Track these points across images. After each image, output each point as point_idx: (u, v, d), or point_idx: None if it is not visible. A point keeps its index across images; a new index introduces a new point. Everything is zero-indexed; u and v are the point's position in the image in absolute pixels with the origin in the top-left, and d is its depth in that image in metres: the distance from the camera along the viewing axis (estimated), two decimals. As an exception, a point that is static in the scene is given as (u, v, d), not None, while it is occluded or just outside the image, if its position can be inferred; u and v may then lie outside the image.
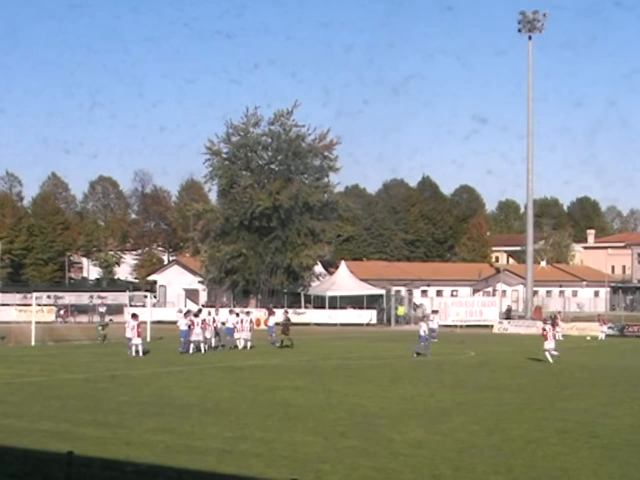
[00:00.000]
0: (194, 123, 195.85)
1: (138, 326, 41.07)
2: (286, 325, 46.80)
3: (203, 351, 42.36)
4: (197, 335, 42.46)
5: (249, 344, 44.99)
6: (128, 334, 41.18)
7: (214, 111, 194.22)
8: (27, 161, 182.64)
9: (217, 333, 45.14)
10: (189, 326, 42.55)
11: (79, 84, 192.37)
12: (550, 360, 37.96)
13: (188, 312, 45.78)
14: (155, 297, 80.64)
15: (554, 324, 58.62)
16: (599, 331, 58.04)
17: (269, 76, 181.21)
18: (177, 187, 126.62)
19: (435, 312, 58.16)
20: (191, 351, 42.07)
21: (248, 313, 48.29)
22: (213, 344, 44.31)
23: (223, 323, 46.85)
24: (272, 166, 78.74)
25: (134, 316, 42.33)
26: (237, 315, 46.73)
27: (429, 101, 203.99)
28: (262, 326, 55.34)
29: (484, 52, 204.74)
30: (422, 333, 42.37)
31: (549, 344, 38.61)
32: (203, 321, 43.50)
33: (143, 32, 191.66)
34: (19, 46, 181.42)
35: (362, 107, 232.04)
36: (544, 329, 39.66)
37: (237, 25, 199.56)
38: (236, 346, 45.03)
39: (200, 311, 46.58)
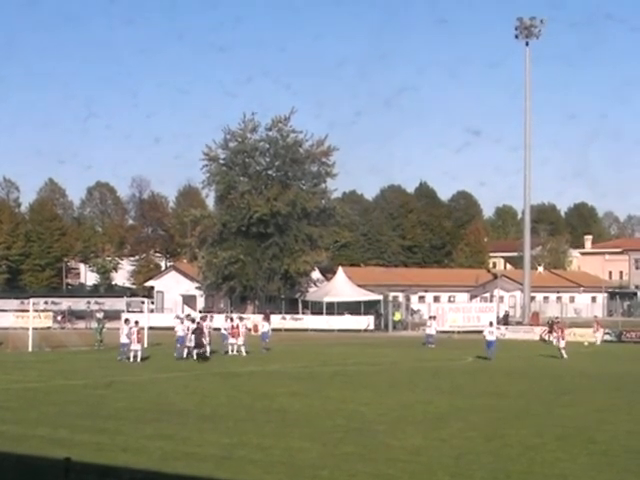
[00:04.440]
0: (189, 134, 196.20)
1: (138, 332, 41.04)
2: (199, 334, 41.92)
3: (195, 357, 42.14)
4: (191, 341, 42.33)
5: (243, 349, 44.94)
6: (123, 339, 41.15)
7: (209, 122, 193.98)
8: (24, 168, 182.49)
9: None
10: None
11: (74, 95, 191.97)
12: None
13: (188, 317, 45.69)
14: (152, 303, 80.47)
15: (551, 330, 58.90)
16: (594, 336, 57.95)
17: (263, 88, 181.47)
18: (175, 193, 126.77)
19: (433, 318, 58.06)
20: (184, 356, 41.87)
21: (241, 319, 48.12)
22: (208, 350, 44.05)
23: (215, 329, 46.56)
24: (269, 172, 78.69)
25: (127, 321, 42.49)
26: (231, 320, 46.72)
27: (422, 113, 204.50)
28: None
29: (476, 64, 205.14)
30: (493, 338, 43.72)
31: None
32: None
33: (138, 44, 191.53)
34: (15, 57, 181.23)
35: (355, 119, 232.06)
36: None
37: (231, 37, 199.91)
38: (226, 352, 44.91)
39: (192, 317, 46.37)
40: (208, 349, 42.80)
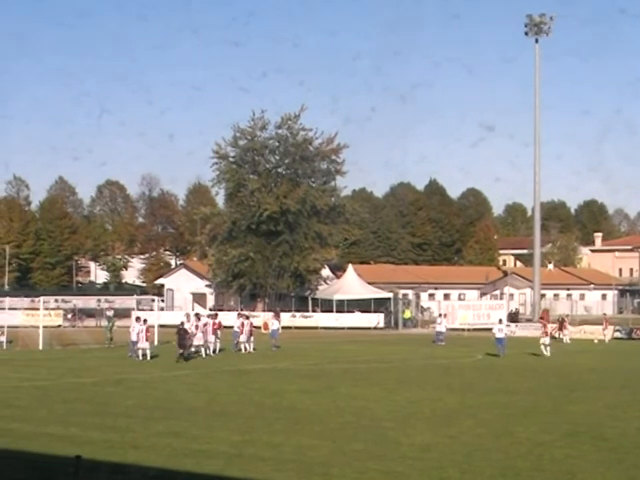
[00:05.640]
0: (202, 130, 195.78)
1: (147, 330, 41.06)
2: (182, 335, 40.40)
3: (204, 355, 42.19)
4: (198, 339, 42.33)
5: (250, 347, 45.05)
6: (133, 337, 41.18)
7: (222, 118, 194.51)
8: (35, 166, 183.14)
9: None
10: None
11: (88, 91, 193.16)
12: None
13: (209, 315, 45.79)
14: (163, 301, 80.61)
15: (561, 327, 58.80)
16: (603, 334, 57.75)
17: (277, 84, 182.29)
18: (184, 191, 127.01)
19: (443, 315, 58.04)
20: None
21: (247, 317, 48.26)
22: (218, 348, 44.12)
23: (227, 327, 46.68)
24: (279, 170, 78.80)
25: (138, 319, 42.50)
26: (247, 318, 46.85)
27: (436, 108, 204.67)
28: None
29: (490, 60, 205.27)
30: (503, 335, 44.22)
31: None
32: (204, 325, 43.23)
33: (151, 40, 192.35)
34: (28, 54, 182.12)
35: (370, 114, 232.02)
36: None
37: (245, 33, 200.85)
38: (239, 349, 45.02)
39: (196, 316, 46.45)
40: (208, 347, 42.95)
